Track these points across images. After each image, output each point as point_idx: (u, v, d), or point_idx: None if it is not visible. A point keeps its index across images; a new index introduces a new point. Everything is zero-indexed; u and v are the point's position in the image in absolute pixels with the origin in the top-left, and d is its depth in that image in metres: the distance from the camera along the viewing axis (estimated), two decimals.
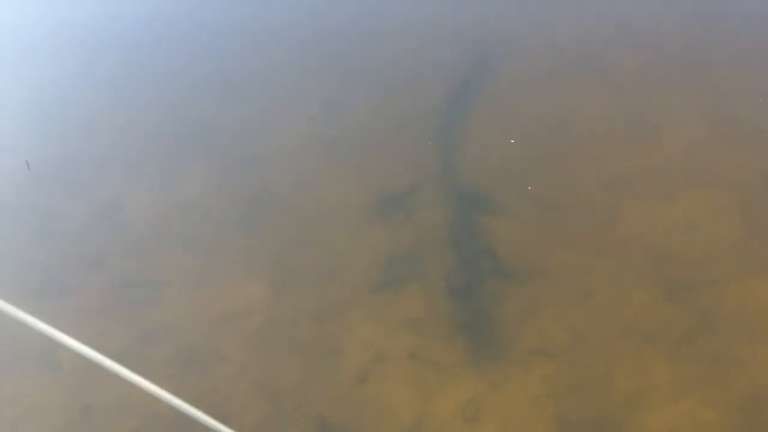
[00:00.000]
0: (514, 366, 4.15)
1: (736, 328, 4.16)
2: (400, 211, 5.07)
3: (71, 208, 5.49)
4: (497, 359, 4.20)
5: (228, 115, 6.04)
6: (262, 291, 4.74)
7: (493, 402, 4.03)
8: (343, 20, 6.84)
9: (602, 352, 4.16)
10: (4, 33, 7.37)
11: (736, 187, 4.87)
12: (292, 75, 6.35)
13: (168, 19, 7.22)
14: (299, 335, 4.48)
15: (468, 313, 4.47)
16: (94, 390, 4.37)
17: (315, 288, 4.71)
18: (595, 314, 4.33)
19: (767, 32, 6.01)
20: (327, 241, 4.98)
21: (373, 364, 4.28)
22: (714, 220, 4.70)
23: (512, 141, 5.39)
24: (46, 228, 5.33)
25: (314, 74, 6.31)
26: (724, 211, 4.74)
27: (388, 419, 4.04)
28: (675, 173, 5.02)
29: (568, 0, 6.66)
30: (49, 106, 6.42)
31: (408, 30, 6.58)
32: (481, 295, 4.53)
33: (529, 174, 5.17)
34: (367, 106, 5.92)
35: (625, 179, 5.03)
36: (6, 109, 6.42)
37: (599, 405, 3.94)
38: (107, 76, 6.65)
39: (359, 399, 4.14)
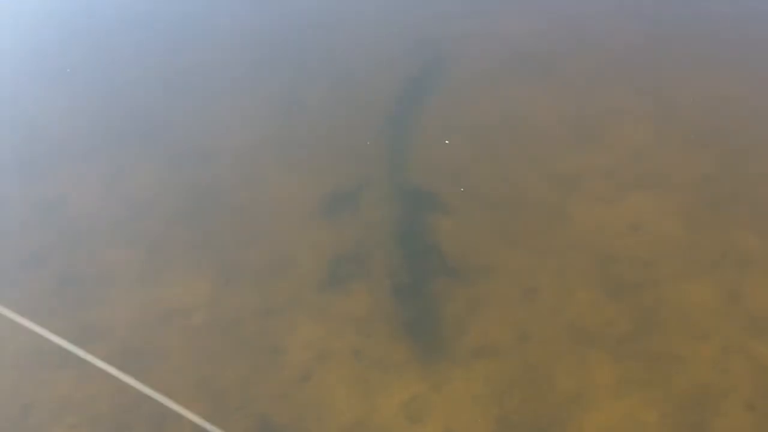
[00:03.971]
0: (457, 365, 4.16)
1: (677, 328, 4.21)
2: (347, 209, 5.05)
3: (16, 201, 5.40)
4: (441, 358, 4.20)
5: (177, 110, 5.98)
6: (206, 288, 4.68)
7: (436, 401, 4.03)
8: (294, 17, 6.82)
9: (545, 351, 4.18)
10: None
11: (678, 189, 4.93)
12: (243, 72, 6.32)
13: (119, 12, 7.14)
14: (243, 333, 4.44)
15: (413, 312, 4.47)
16: (35, 387, 4.30)
17: (260, 286, 4.67)
18: (538, 314, 4.34)
19: (713, 35, 6.09)
20: (273, 238, 4.94)
21: (316, 363, 4.25)
22: (657, 221, 4.75)
23: (447, 142, 5.41)
24: None
25: (265, 71, 6.27)
26: (666, 213, 4.80)
27: (331, 417, 4.02)
28: (620, 174, 5.07)
29: (519, 1, 6.70)
30: None
31: (360, 27, 6.57)
32: (426, 294, 4.53)
33: (476, 173, 5.19)
34: (317, 104, 5.90)
35: (571, 180, 5.07)
36: None
37: (541, 404, 3.96)
38: (58, 69, 6.56)
39: (302, 397, 4.11)
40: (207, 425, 4.00)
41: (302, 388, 4.16)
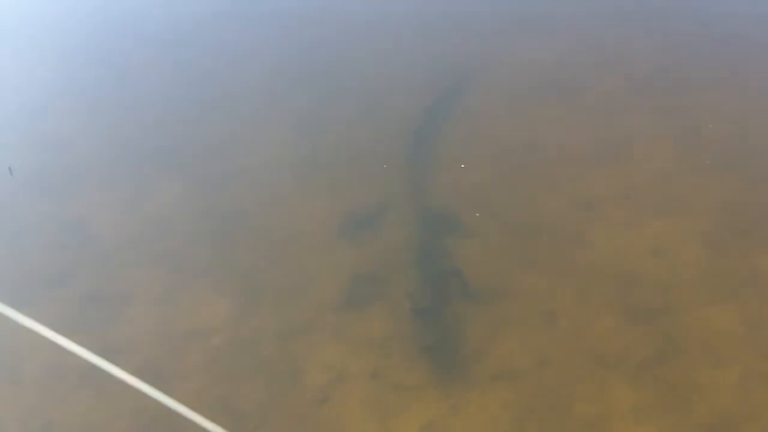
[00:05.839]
0: (475, 389, 4.13)
1: (697, 354, 4.16)
2: (367, 231, 5.08)
3: (42, 221, 5.46)
4: (460, 382, 4.18)
5: (201, 132, 6.04)
6: (226, 309, 4.71)
7: (454, 424, 4.00)
8: (317, 42, 6.88)
9: (564, 376, 4.15)
10: None
11: (700, 214, 4.91)
12: (265, 95, 6.38)
13: (144, 37, 7.24)
14: (262, 354, 4.45)
15: (432, 334, 4.46)
16: (56, 404, 4.34)
17: (280, 307, 4.69)
18: (558, 338, 4.32)
19: (737, 60, 6.07)
20: (293, 259, 4.97)
21: (335, 384, 4.25)
22: (678, 247, 4.73)
23: (462, 166, 5.42)
24: (14, 240, 5.30)
25: (287, 95, 6.34)
26: (688, 238, 4.77)
27: None
28: (642, 199, 5.06)
29: (542, 25, 6.73)
30: (25, 117, 6.42)
31: (382, 52, 6.62)
32: (445, 316, 4.52)
33: (498, 197, 5.20)
34: (339, 127, 5.95)
35: (592, 203, 5.07)
36: None
37: (560, 429, 3.92)
38: (86, 91, 6.66)
39: (320, 419, 4.11)
40: None
41: (320, 409, 4.15)
